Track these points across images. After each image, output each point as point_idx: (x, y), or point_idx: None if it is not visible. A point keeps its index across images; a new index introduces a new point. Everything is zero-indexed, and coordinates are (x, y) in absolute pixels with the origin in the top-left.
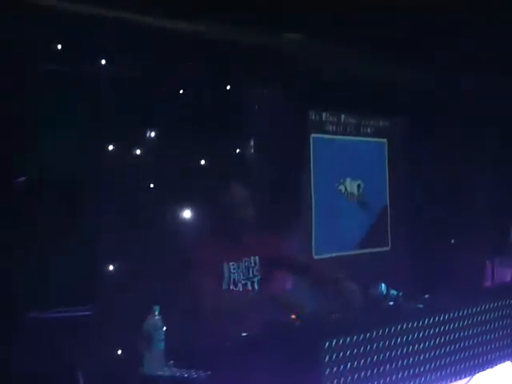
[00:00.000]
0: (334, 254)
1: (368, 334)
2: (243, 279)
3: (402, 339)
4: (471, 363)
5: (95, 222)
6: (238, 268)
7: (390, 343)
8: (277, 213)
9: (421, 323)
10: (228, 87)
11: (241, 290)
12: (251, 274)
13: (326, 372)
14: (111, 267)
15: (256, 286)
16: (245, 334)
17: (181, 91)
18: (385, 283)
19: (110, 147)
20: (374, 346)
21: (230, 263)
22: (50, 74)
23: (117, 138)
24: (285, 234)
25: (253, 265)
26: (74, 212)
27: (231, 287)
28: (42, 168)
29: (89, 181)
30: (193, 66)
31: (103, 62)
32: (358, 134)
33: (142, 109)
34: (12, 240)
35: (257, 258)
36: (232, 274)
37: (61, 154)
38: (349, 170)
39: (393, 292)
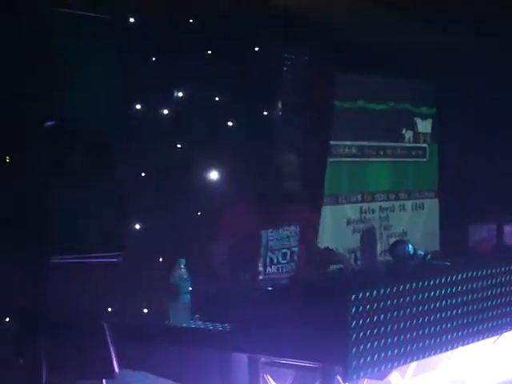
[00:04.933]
0: None
1: (395, 289)
2: (283, 247)
3: (428, 295)
4: (498, 322)
5: (128, 172)
6: (278, 235)
7: (416, 298)
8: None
9: (448, 280)
10: (256, 48)
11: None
12: (293, 243)
13: (352, 324)
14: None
15: (295, 257)
16: (270, 288)
17: (209, 52)
18: (411, 244)
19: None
20: (401, 300)
21: (269, 230)
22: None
23: (149, 93)
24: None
25: (293, 234)
26: (104, 161)
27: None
28: (77, 113)
29: (122, 132)
30: (223, 27)
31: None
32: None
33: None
34: (42, 185)
35: (298, 227)
36: (270, 242)
37: (92, 103)
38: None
39: (420, 252)
